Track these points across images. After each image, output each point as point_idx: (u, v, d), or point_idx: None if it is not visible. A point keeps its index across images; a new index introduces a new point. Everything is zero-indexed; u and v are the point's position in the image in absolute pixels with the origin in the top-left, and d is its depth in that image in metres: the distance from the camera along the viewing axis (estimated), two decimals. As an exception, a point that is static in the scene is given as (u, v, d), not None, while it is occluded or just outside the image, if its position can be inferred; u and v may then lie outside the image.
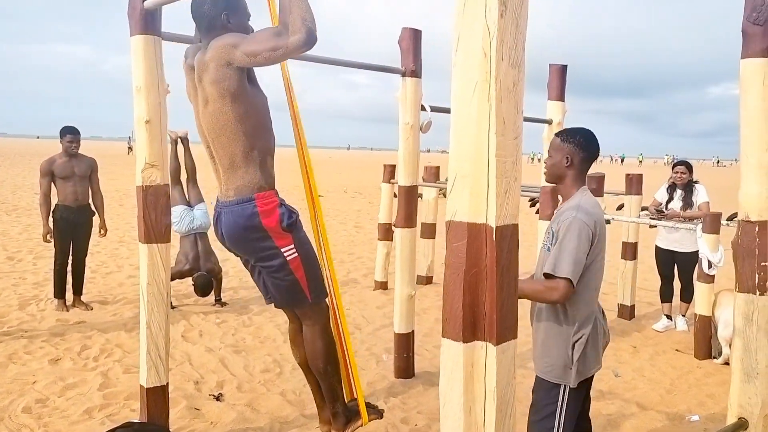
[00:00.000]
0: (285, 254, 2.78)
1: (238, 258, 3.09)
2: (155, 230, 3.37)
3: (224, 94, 2.63)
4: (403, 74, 4.54)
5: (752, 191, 2.91)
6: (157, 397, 3.43)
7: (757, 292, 2.93)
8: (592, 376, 2.75)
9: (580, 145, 2.69)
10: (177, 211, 6.41)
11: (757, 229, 2.92)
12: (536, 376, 2.77)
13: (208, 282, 6.44)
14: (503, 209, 1.68)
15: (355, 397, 3.18)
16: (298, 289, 2.86)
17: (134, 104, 3.29)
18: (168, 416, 3.57)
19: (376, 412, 3.22)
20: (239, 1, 2.80)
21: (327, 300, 3.06)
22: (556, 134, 2.79)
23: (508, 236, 1.71)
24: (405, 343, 4.73)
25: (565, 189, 2.73)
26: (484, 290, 1.70)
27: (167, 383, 3.51)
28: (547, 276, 2.55)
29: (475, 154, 1.68)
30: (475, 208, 1.70)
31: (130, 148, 50.28)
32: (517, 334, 1.77)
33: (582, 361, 2.63)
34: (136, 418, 3.65)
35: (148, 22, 3.21)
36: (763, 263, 2.93)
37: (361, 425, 3.11)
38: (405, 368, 4.76)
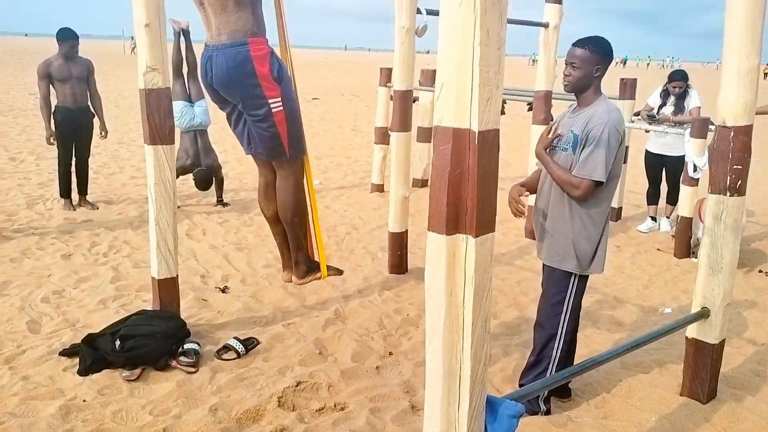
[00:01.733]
0: (271, 105, 2.93)
1: (223, 111, 3.18)
2: (159, 132, 3.50)
3: None
4: (400, -24, 4.52)
5: (730, 97, 3.04)
6: (168, 288, 3.70)
7: (728, 194, 3.13)
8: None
9: (606, 54, 2.86)
10: (178, 107, 6.50)
11: (732, 134, 3.07)
12: (547, 266, 3.07)
13: (208, 176, 6.66)
14: (485, 115, 1.83)
15: (317, 258, 3.47)
16: (279, 142, 3.04)
17: (133, 8, 3.34)
18: (179, 305, 3.86)
19: (335, 270, 3.54)
20: None
21: (304, 158, 3.25)
22: (580, 45, 2.84)
23: (489, 140, 1.87)
24: (399, 242, 4.99)
25: (588, 97, 2.90)
26: (467, 189, 1.88)
27: (177, 275, 3.78)
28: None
29: (460, 64, 1.81)
30: (459, 114, 1.84)
31: (133, 49, 49.27)
32: (494, 227, 1.96)
33: (597, 255, 2.97)
34: (148, 307, 3.95)
35: None
36: (735, 166, 3.11)
37: (320, 278, 3.44)
38: (398, 265, 5.05)
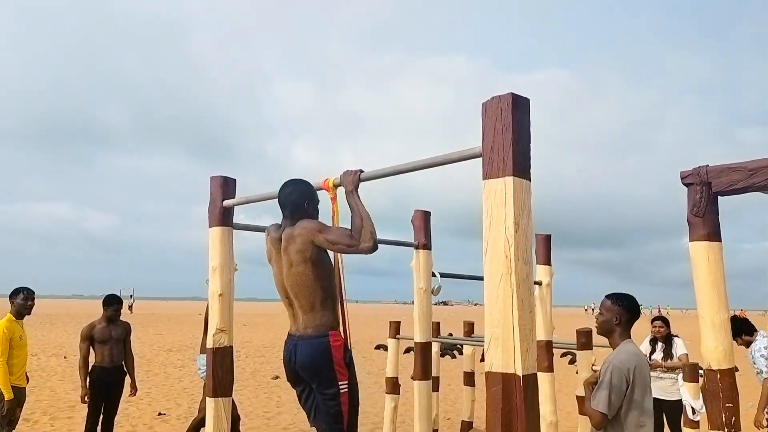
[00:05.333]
0: (340, 386, 3.48)
1: (295, 389, 3.69)
2: (221, 386, 3.98)
3: (306, 260, 3.47)
4: (416, 247, 5.40)
5: (710, 345, 3.64)
6: None
7: (725, 429, 3.56)
8: None
9: (627, 308, 3.58)
10: (204, 360, 6.90)
11: (718, 376, 3.60)
12: None
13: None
14: (526, 362, 2.40)
15: None
16: (339, 418, 3.51)
17: (210, 281, 4.06)
18: None
19: None
20: (315, 195, 3.71)
21: None
22: (607, 297, 3.62)
23: (530, 381, 2.40)
24: (425, 489, 5.15)
25: (614, 341, 3.56)
26: (516, 421, 2.37)
27: None
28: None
29: (503, 324, 2.42)
30: (506, 361, 2.41)
31: (130, 307, 50.75)
32: (541, 455, 2.40)
33: None
34: None
35: (224, 217, 4.07)
36: (727, 404, 3.59)
37: None
38: None
